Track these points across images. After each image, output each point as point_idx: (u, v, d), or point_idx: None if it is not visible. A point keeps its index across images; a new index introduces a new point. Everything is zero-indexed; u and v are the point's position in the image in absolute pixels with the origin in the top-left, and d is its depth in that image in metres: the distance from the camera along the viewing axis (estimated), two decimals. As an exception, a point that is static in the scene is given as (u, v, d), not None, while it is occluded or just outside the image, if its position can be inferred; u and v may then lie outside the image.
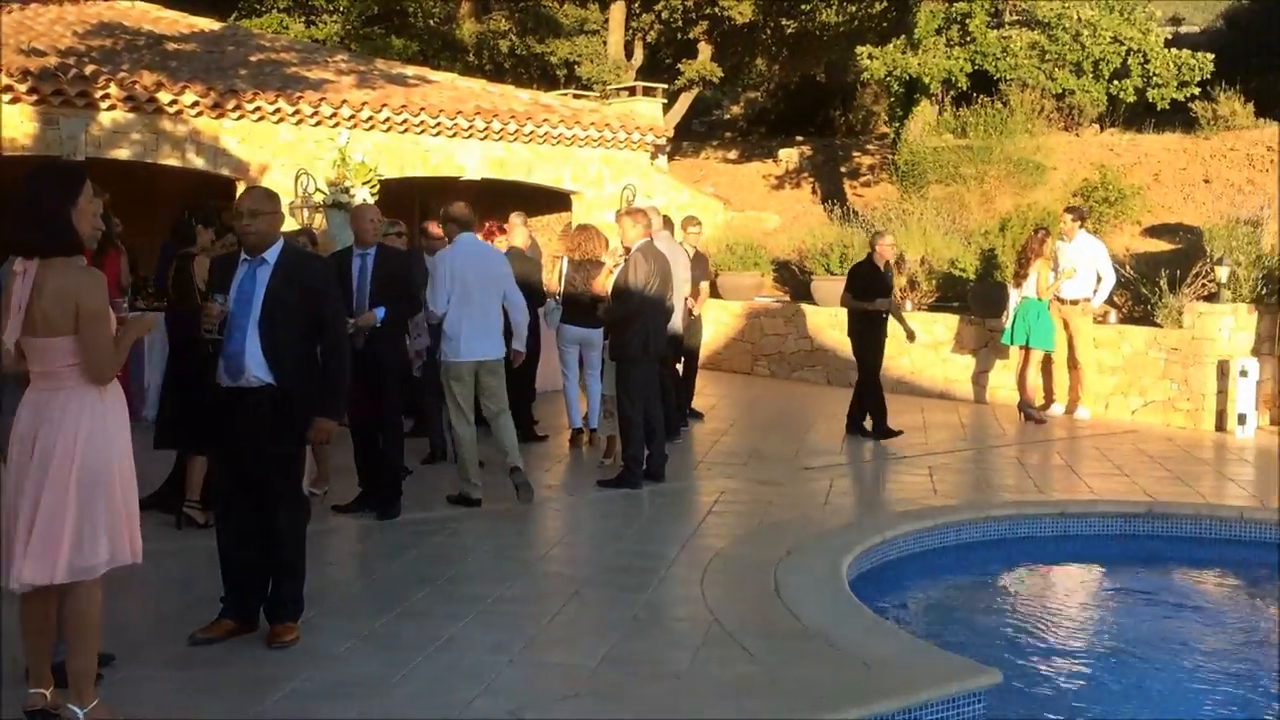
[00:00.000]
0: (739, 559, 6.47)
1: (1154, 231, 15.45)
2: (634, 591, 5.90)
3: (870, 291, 10.59)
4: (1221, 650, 5.83)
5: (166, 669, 4.78)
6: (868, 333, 10.72)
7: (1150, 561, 7.45)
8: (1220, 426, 11.22)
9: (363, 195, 12.11)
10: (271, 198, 5.28)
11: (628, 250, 8.54)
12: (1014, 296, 11.85)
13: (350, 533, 7.11)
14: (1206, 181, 16.54)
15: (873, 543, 6.75)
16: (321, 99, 13.15)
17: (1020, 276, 11.76)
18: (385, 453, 7.43)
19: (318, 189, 12.62)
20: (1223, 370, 11.24)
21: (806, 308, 14.67)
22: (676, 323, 9.74)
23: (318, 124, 13.17)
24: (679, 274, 9.91)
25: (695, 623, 5.40)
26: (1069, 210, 12.07)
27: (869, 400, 10.73)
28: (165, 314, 7.45)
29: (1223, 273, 11.30)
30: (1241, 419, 10.91)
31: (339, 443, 7.54)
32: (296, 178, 12.85)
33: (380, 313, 7.25)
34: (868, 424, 10.72)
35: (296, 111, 12.98)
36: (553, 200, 16.42)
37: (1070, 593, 7.00)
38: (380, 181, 12.74)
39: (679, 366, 10.45)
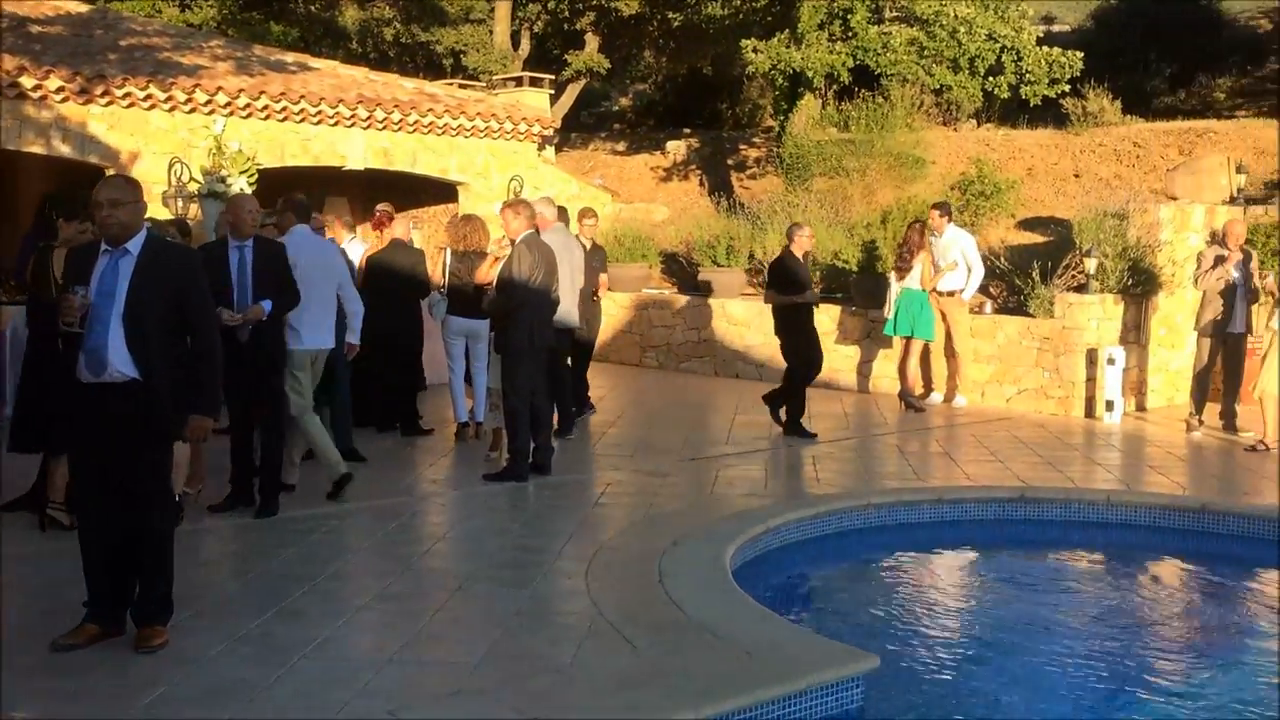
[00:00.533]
0: (624, 551, 6.47)
1: (1028, 224, 15.91)
2: (518, 586, 5.85)
3: (798, 284, 10.43)
4: (1090, 630, 6.02)
5: (30, 676, 4.58)
6: (799, 327, 10.44)
7: (1023, 545, 7.67)
8: (1090, 413, 11.61)
9: (240, 185, 11.79)
10: (132, 186, 5.09)
11: (512, 242, 8.48)
12: (894, 288, 12.09)
13: (225, 532, 6.91)
14: (1077, 176, 17.10)
15: (756, 532, 6.82)
16: (196, 85, 12.76)
17: (902, 268, 12.00)
18: (266, 448, 7.26)
19: (192, 178, 12.24)
20: (1091, 359, 11.63)
21: (695, 300, 14.76)
22: (572, 315, 9.72)
23: (192, 111, 12.78)
24: (572, 266, 9.88)
25: (579, 616, 5.38)
26: (936, 206, 12.35)
27: (795, 395, 10.46)
28: (26, 308, 7.15)
29: (1091, 264, 11.69)
30: (1109, 405, 11.31)
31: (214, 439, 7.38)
32: (170, 166, 12.45)
33: (268, 305, 7.08)
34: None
35: (169, 98, 12.58)
36: (439, 192, 16.23)
37: (946, 577, 7.17)
38: (259, 171, 12.41)
39: (571, 360, 10.41)
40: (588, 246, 10.53)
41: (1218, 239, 11.06)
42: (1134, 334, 12.05)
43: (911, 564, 7.30)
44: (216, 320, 5.44)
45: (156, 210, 11.44)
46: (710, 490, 8.08)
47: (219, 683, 4.57)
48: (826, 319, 13.57)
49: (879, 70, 16.05)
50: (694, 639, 5.05)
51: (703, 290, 14.78)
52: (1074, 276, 12.17)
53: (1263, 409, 9.81)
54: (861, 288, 13.25)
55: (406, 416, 10.13)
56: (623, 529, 6.97)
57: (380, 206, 10.88)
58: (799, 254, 10.63)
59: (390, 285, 9.65)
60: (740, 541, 6.56)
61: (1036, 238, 15.26)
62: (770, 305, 10.72)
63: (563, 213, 10.05)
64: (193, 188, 12.19)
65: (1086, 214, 12.70)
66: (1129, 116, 18.53)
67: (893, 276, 12.23)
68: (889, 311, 12.13)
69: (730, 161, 21.98)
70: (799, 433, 10.28)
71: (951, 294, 12.08)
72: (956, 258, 12.10)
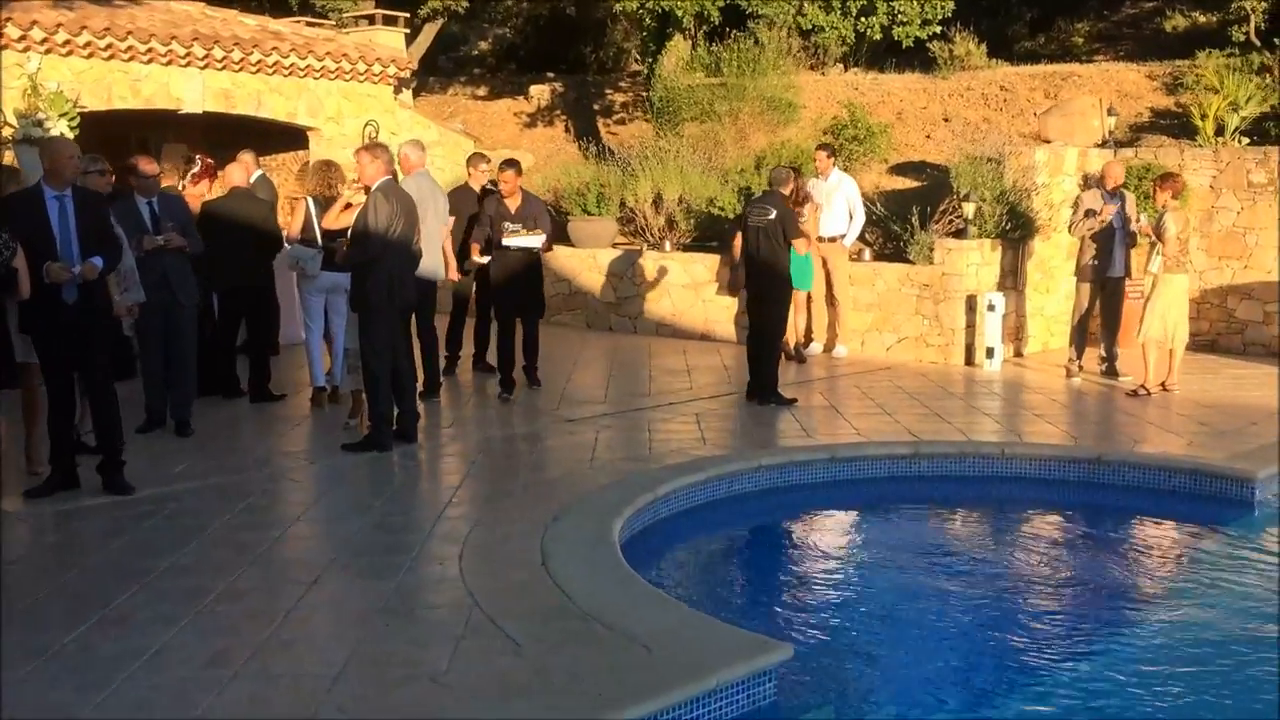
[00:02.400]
0: (500, 529, 5.89)
1: (900, 169, 15.69)
2: (383, 576, 5.22)
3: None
4: (990, 590, 5.70)
5: None
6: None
7: (920, 502, 7.35)
8: (969, 360, 11.42)
9: (60, 129, 10.66)
10: None
11: (367, 189, 7.72)
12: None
13: (44, 521, 6.08)
14: (946, 120, 16.94)
15: (644, 501, 6.31)
16: (7, 19, 11.49)
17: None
18: (105, 420, 6.48)
19: (5, 122, 11.03)
20: (970, 305, 11.44)
21: (563, 250, 14.10)
22: (437, 268, 9.07)
23: (3, 47, 11.51)
24: (437, 214, 9.18)
25: (453, 609, 4.79)
26: (821, 147, 11.96)
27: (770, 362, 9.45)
28: None
29: (969, 209, 11.46)
30: (990, 352, 11.14)
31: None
32: (-21, 109, 11.22)
33: (99, 262, 6.36)
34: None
35: (-24, 33, 11.30)
36: (288, 138, 15.16)
37: (846, 544, 6.77)
38: (81, 114, 11.26)
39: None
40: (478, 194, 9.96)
41: (1093, 182, 10.90)
42: (1011, 279, 11.89)
43: (809, 530, 6.89)
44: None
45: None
46: (590, 456, 7.52)
47: (29, 708, 3.85)
48: (703, 268, 13.12)
49: (750, 10, 15.55)
50: (583, 631, 4.51)
51: (572, 240, 14.14)
52: (951, 222, 11.93)
53: (1144, 354, 9.71)
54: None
55: (256, 381, 9.29)
56: (498, 502, 6.37)
57: (199, 157, 9.94)
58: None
59: (233, 237, 8.76)
60: (627, 513, 6.05)
61: (909, 182, 15.04)
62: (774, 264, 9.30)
63: (479, 159, 10.07)
64: (6, 133, 10.98)
65: (961, 158, 12.47)
66: (994, 61, 18.47)
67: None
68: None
69: (596, 107, 21.28)
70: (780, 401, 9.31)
71: (833, 240, 11.73)
72: (840, 203, 11.74)
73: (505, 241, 9.32)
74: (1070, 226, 10.38)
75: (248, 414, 8.94)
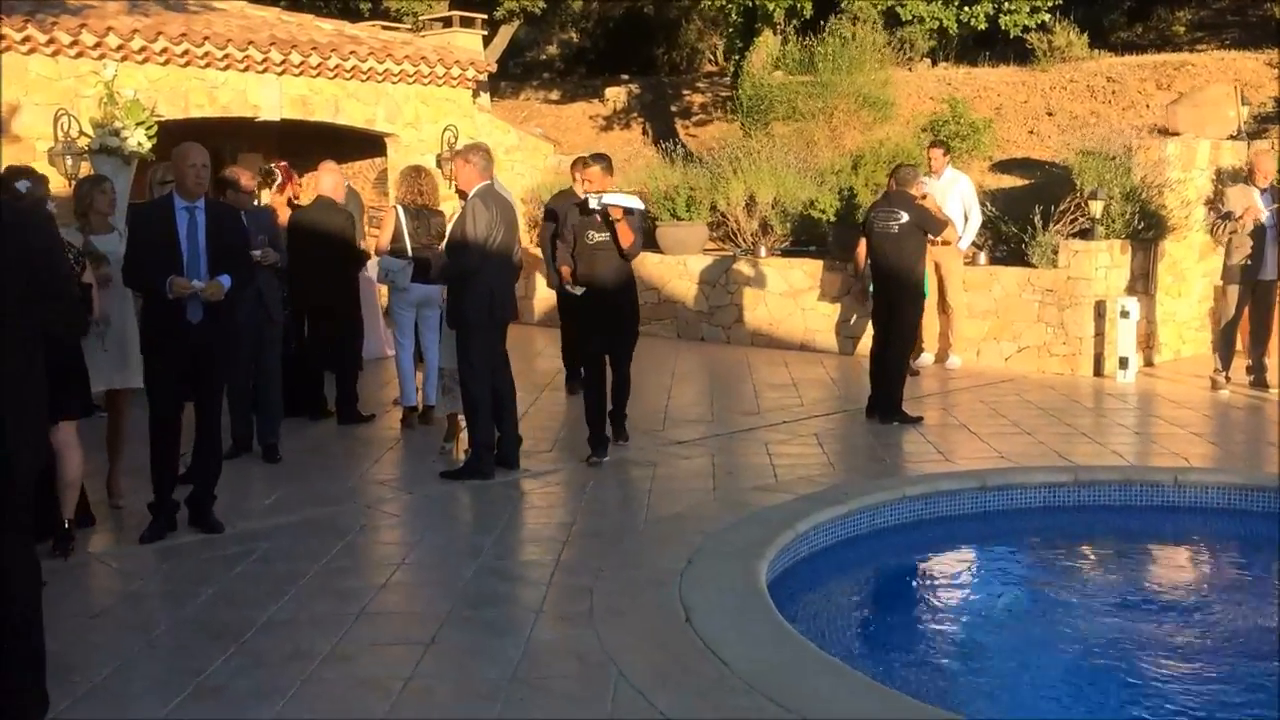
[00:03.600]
0: (629, 574, 5.23)
1: (1004, 167, 14.85)
2: (506, 634, 4.59)
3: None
4: (1205, 644, 4.93)
5: None
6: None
7: (1084, 536, 6.57)
8: (1098, 371, 10.59)
9: (137, 139, 10.20)
10: None
11: (463, 195, 7.14)
12: (859, 242, 10.89)
13: (126, 565, 5.54)
14: (1050, 114, 16.07)
15: (785, 540, 5.62)
16: (82, 25, 11.11)
17: (888, 217, 10.81)
18: (207, 456, 6.04)
19: (82, 132, 10.62)
20: (1100, 311, 10.60)
21: (651, 256, 13.45)
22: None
23: (79, 55, 11.13)
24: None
25: (594, 679, 4.14)
26: (935, 144, 11.19)
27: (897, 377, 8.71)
28: None
29: (1097, 207, 10.63)
30: (1123, 363, 10.29)
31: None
32: (56, 119, 10.84)
33: (226, 280, 5.94)
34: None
35: (51, 40, 10.91)
36: (365, 145, 14.70)
37: (1011, 586, 5.99)
38: (158, 123, 10.82)
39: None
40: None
41: (1236, 177, 9.95)
42: (1142, 283, 11.03)
43: (967, 572, 6.15)
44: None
45: (44, 170, 9.85)
46: (711, 485, 6.85)
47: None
48: (802, 274, 12.41)
49: (843, 2, 14.79)
50: (752, 711, 3.83)
51: (661, 246, 13.49)
52: (1074, 222, 11.08)
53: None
54: (841, 239, 12.05)
55: (343, 401, 8.76)
56: (620, 543, 5.72)
57: (275, 165, 9.44)
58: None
59: (320, 251, 8.23)
60: (770, 555, 5.36)
61: (1015, 181, 14.20)
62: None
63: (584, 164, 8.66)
64: (82, 143, 10.57)
65: (1079, 153, 11.62)
66: (1096, 50, 17.54)
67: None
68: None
69: (674, 108, 20.67)
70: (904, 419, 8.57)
71: (946, 243, 10.94)
72: (955, 203, 10.97)
73: (594, 203, 7.47)
74: (1212, 229, 9.48)
75: (336, 436, 8.39)
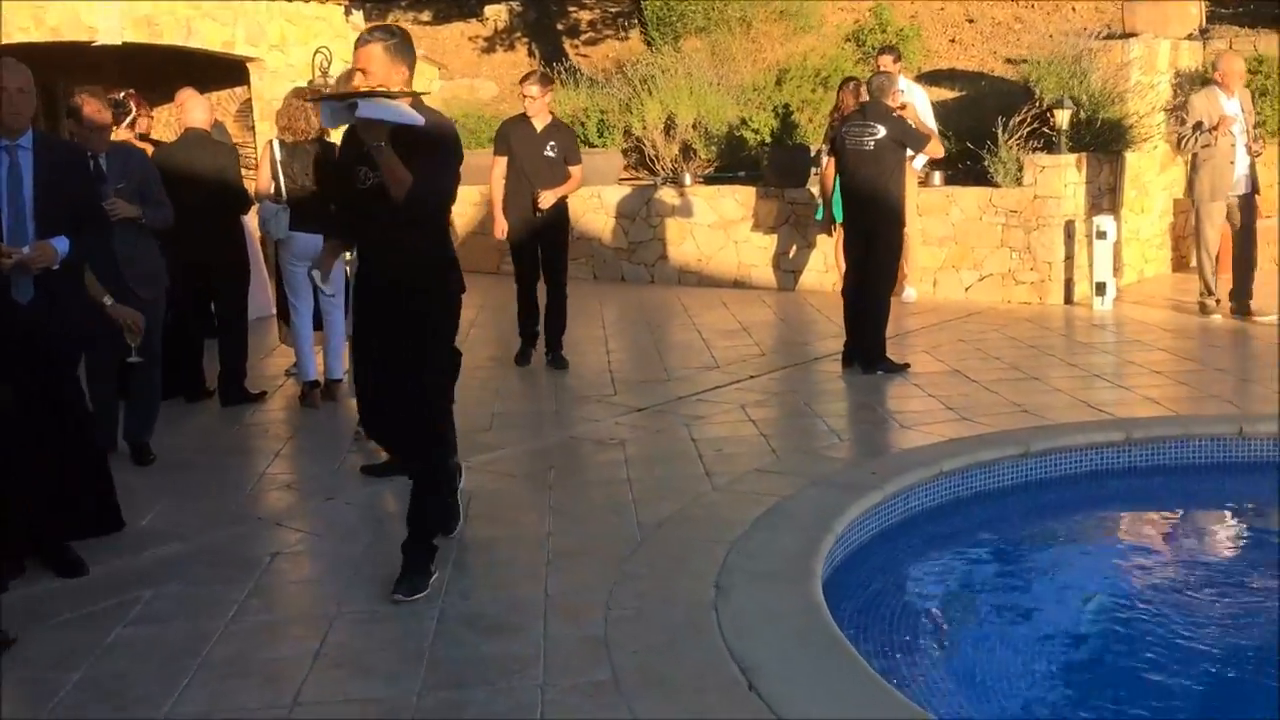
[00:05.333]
0: (648, 607, 4.00)
1: (930, 79, 13.79)
2: (499, 706, 3.31)
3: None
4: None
5: None
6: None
7: (1150, 505, 5.58)
8: (1069, 298, 9.68)
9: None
10: None
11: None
12: (828, 164, 9.73)
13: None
14: (970, 21, 15.06)
15: (826, 546, 4.44)
16: None
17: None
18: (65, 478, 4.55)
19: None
20: (1069, 232, 9.66)
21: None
22: None
23: None
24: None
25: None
26: (886, 50, 10.01)
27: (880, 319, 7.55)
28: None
29: (1063, 117, 9.62)
30: (1100, 288, 9.38)
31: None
32: None
33: (62, 245, 4.45)
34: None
35: None
36: (223, 73, 12.87)
37: (1084, 575, 4.90)
38: (-29, 49, 8.95)
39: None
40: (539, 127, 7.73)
41: (1204, 81, 8.92)
42: (1107, 199, 10.11)
43: (1030, 564, 5.02)
44: None
45: None
46: (702, 468, 5.62)
47: None
48: (734, 203, 11.18)
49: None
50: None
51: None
52: (1030, 136, 10.02)
53: (1322, 284, 8.01)
54: (778, 164, 10.85)
55: (227, 378, 7.25)
56: (621, 561, 4.46)
57: (124, 94, 7.77)
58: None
59: (192, 198, 6.63)
60: (819, 570, 4.18)
61: (946, 93, 13.16)
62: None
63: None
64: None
65: (1038, 58, 10.60)
66: (1010, -48, 16.57)
67: (825, 150, 9.85)
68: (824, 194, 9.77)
69: (560, 26, 19.10)
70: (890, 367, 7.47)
71: (934, 158, 9.82)
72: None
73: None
74: (1180, 142, 8.54)
75: (222, 424, 6.91)
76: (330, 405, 7.09)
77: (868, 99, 7.51)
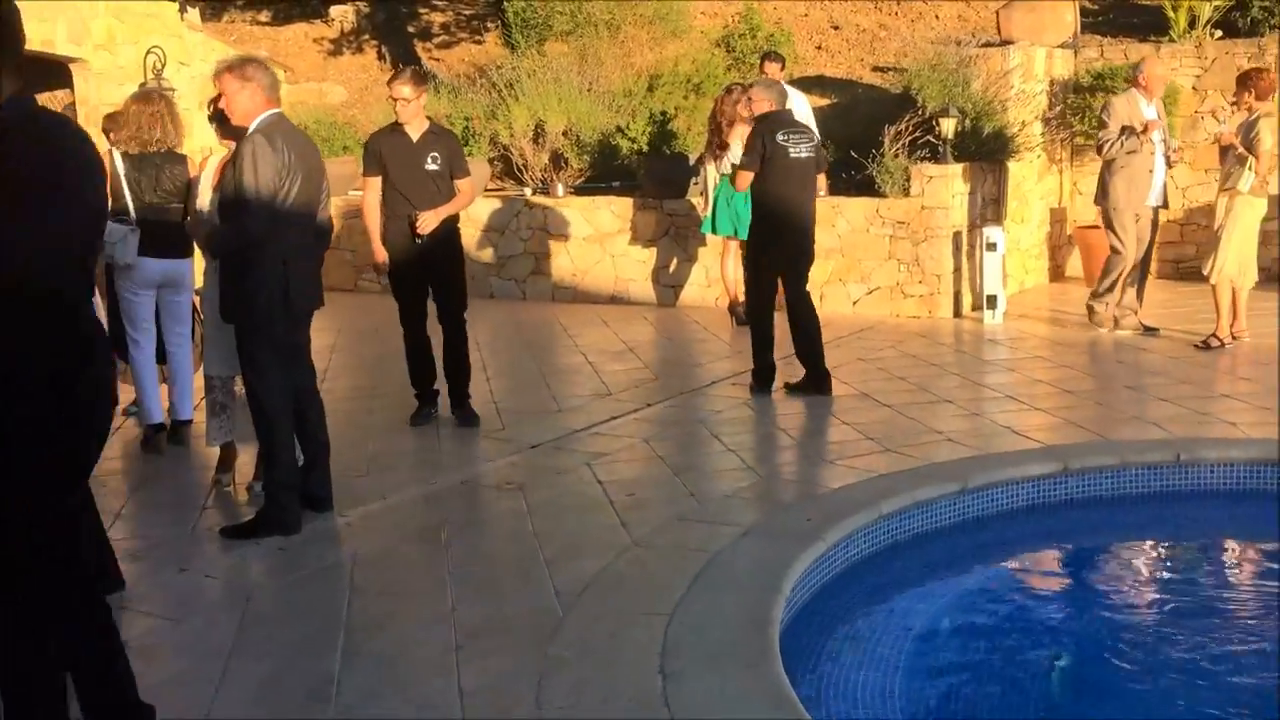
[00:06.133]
0: (586, 705, 3.38)
1: (801, 86, 13.54)
2: None
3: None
4: None
5: None
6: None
7: (1085, 539, 5.24)
8: (958, 312, 9.45)
9: None
10: None
11: (232, 135, 4.95)
12: (711, 174, 9.28)
13: None
14: (836, 28, 14.89)
15: (778, 612, 3.91)
16: None
17: (718, 148, 9.19)
18: None
19: None
20: (957, 244, 9.43)
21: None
22: None
23: None
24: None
25: None
26: (770, 57, 9.63)
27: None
28: None
29: (949, 125, 9.39)
30: (991, 301, 9.17)
31: None
32: None
33: None
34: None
35: None
36: (43, 74, 11.65)
37: (1030, 629, 4.52)
38: None
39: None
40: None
41: (1135, 82, 8.53)
42: (991, 209, 9.94)
43: (1000, 610, 4.59)
44: None
45: None
46: (616, 517, 5.03)
47: None
48: (610, 215, 10.63)
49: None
50: None
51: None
52: (913, 145, 9.77)
53: (1216, 295, 7.89)
54: (656, 173, 10.35)
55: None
56: (543, 641, 3.84)
57: None
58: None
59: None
60: (776, 640, 3.65)
61: (817, 100, 12.91)
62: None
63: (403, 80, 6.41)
64: None
65: (919, 65, 10.38)
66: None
67: (707, 160, 9.39)
68: (707, 206, 9.30)
69: (411, 28, 18.27)
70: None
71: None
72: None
73: None
74: (1103, 146, 8.24)
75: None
76: (178, 451, 6.24)
77: (772, 107, 7.02)
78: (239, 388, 5.34)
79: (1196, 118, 10.49)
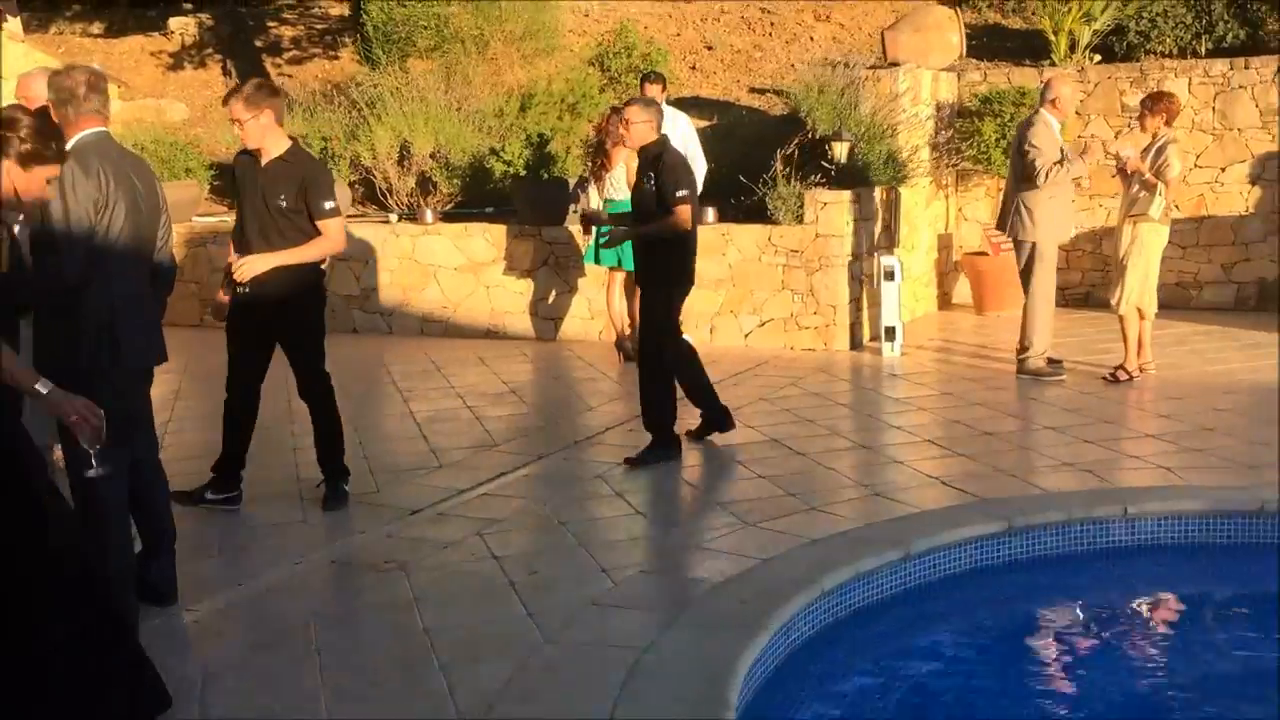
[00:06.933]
0: None
1: (677, 107, 13.08)
2: None
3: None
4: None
5: None
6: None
7: (1039, 604, 4.77)
8: (855, 344, 9.03)
9: None
10: None
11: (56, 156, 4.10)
12: (593, 198, 8.67)
13: None
14: (709, 48, 14.49)
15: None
16: None
17: (602, 170, 8.59)
18: None
19: None
20: (852, 273, 9.02)
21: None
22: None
23: None
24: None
25: None
26: (651, 78, 9.05)
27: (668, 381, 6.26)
28: None
29: (841, 149, 8.99)
30: (889, 333, 8.76)
31: None
32: None
33: None
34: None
35: None
36: None
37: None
38: None
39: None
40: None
41: (1049, 103, 8.06)
42: (885, 237, 9.57)
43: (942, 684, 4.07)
44: None
45: None
46: (519, 602, 4.34)
47: None
48: (484, 243, 9.92)
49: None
50: None
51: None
52: (802, 169, 9.33)
53: (1123, 326, 7.62)
54: (533, 199, 9.67)
55: None
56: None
57: None
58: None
59: None
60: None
61: (696, 121, 12.46)
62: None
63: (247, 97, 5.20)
64: None
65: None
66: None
67: (590, 184, 8.78)
68: (588, 236, 8.68)
69: (259, 43, 17.21)
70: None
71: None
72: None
73: None
74: (1040, 173, 7.45)
75: None
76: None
77: (655, 130, 6.36)
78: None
79: (1080, 142, 10.32)
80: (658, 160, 6.07)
